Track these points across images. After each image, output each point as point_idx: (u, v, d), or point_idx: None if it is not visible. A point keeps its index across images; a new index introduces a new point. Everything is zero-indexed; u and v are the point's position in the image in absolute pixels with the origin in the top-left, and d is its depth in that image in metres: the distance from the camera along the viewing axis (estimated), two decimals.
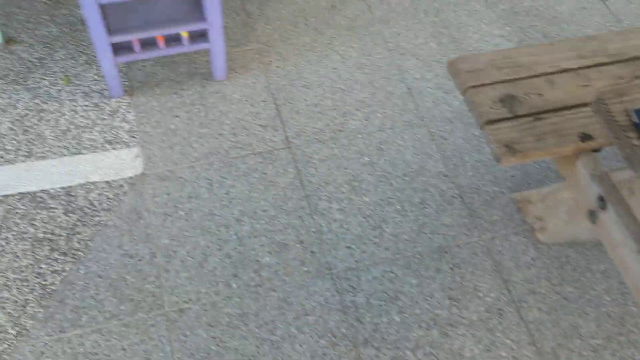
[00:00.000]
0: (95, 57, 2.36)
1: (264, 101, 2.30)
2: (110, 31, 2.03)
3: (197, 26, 2.10)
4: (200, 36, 2.18)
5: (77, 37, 2.41)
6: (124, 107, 2.23)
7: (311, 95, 2.33)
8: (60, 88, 2.26)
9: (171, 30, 2.08)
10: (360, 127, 2.26)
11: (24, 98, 2.22)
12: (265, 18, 2.56)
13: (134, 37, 2.06)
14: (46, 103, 2.21)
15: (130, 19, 2.08)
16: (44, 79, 2.28)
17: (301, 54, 2.46)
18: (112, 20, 2.07)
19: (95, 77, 2.30)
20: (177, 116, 2.23)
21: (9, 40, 2.35)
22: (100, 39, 2.01)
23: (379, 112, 2.31)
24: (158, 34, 2.08)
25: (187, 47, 2.18)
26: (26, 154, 2.09)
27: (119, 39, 2.04)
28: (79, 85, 2.28)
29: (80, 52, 2.37)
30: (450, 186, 2.13)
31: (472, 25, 2.62)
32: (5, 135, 2.12)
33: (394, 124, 2.28)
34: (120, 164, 2.10)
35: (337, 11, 2.62)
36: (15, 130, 2.14)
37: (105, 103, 2.24)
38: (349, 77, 2.40)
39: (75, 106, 2.22)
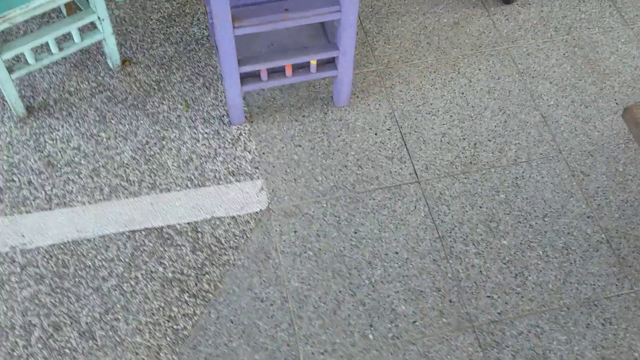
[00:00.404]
0: (212, 79, 2.27)
1: (388, 130, 2.18)
2: (239, 60, 1.94)
3: (328, 54, 1.99)
4: (328, 63, 2.07)
5: (193, 57, 2.33)
6: (245, 134, 2.15)
7: (438, 123, 2.20)
8: (179, 113, 2.19)
9: (301, 59, 1.97)
10: (493, 159, 2.11)
11: (144, 124, 2.15)
12: (384, 37, 2.42)
13: (263, 67, 1.96)
14: (166, 130, 2.15)
15: (258, 47, 1.99)
16: (162, 104, 2.21)
17: (425, 76, 2.32)
18: (240, 48, 1.97)
19: (214, 101, 2.22)
20: (299, 145, 2.13)
21: (125, 61, 2.29)
22: (230, 69, 1.91)
23: (512, 142, 2.15)
24: (288, 63, 1.97)
25: (314, 75, 2.07)
26: (150, 185, 2.03)
27: (248, 68, 1.94)
28: (198, 110, 2.20)
29: (197, 74, 2.29)
30: (596, 229, 1.97)
31: (607, 44, 2.41)
32: (128, 165, 2.07)
33: (530, 156, 2.12)
34: (244, 197, 2.01)
35: (460, 28, 2.46)
36: (137, 159, 2.08)
37: (226, 130, 2.15)
38: (477, 103, 2.25)
39: (195, 134, 2.14)
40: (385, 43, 2.41)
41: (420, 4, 2.52)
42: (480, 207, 2.01)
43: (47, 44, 2.03)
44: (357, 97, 2.26)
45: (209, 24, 2.26)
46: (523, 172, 2.09)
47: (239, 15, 1.80)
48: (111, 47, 2.17)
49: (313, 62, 2.03)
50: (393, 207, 2.01)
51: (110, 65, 2.25)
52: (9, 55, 1.91)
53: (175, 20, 2.43)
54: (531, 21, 2.48)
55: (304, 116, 2.20)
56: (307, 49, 1.99)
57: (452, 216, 1.99)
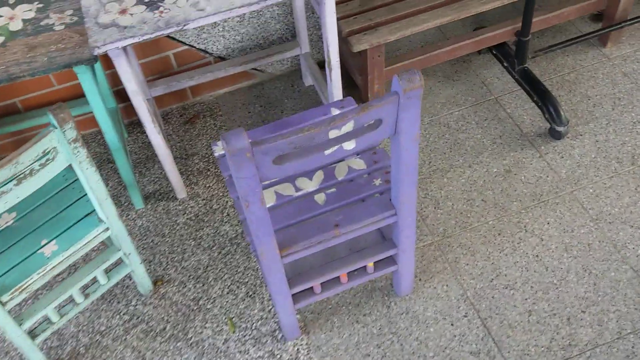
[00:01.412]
0: (255, 285, 2.03)
1: (465, 316, 1.90)
2: (289, 281, 1.69)
3: (386, 253, 1.74)
4: (387, 259, 1.82)
5: (230, 262, 2.09)
6: (304, 350, 1.87)
7: (520, 299, 1.92)
8: (226, 336, 1.93)
9: (357, 265, 1.73)
10: (595, 336, 1.82)
11: (189, 359, 1.89)
12: (433, 201, 2.19)
13: (316, 283, 1.71)
14: None
15: (308, 260, 1.75)
16: (205, 327, 1.95)
17: (489, 241, 2.06)
18: (289, 268, 1.73)
19: (261, 312, 1.97)
20: (368, 355, 1.85)
21: (157, 282, 2.06)
22: (280, 293, 1.67)
23: (610, 310, 1.86)
24: (343, 272, 1.73)
25: (372, 276, 1.81)
26: None
27: (300, 288, 1.70)
28: (245, 329, 1.94)
29: (238, 282, 2.04)
30: None
31: None
32: None
33: (635, 325, 1.83)
34: None
35: (513, 176, 2.22)
36: None
37: (281, 350, 1.88)
38: (557, 266, 1.98)
39: (248, 359, 1.87)
40: (435, 208, 2.17)
41: (463, 155, 2.31)
42: None
43: (70, 295, 1.81)
44: (420, 279, 2.00)
45: (242, 222, 2.04)
46: (633, 347, 1.79)
47: (285, 242, 1.56)
48: (141, 276, 1.95)
49: (370, 264, 1.78)
50: None
51: (142, 291, 2.02)
52: (30, 322, 1.68)
53: (203, 221, 2.22)
54: (589, 155, 2.25)
55: (365, 315, 1.93)
56: (363, 252, 1.74)
57: None
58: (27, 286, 1.61)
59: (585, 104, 2.40)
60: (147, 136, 2.52)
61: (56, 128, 1.41)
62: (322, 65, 2.64)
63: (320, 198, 1.67)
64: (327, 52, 1.99)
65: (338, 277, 1.79)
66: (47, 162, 1.45)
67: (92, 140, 2.54)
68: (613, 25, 2.45)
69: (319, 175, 1.72)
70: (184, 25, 1.69)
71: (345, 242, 1.77)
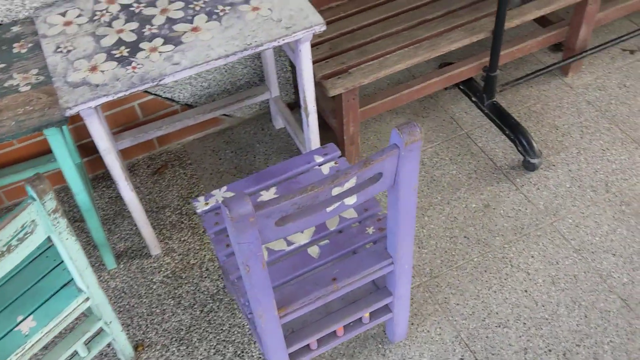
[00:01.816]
0: (243, 343, 1.94)
1: (461, 359, 1.86)
2: (287, 341, 1.62)
3: (382, 302, 1.70)
4: (382, 307, 1.77)
5: (214, 320, 2.00)
6: None
7: (514, 337, 1.90)
8: None
9: (354, 317, 1.67)
10: None
11: None
12: (416, 240, 2.16)
13: (313, 339, 1.65)
14: None
15: (304, 317, 1.68)
16: None
17: (476, 278, 2.05)
18: (284, 326, 1.66)
19: None
20: None
21: (138, 347, 1.94)
22: (276, 354, 1.59)
23: (604, 342, 1.86)
24: (339, 325, 1.67)
25: (368, 326, 1.76)
26: None
27: (297, 346, 1.63)
28: None
29: (225, 341, 1.95)
30: None
31: None
32: None
33: (630, 356, 1.83)
34: None
35: (492, 211, 2.22)
36: None
37: None
38: (546, 300, 1.97)
39: None
40: (419, 248, 2.14)
41: (441, 192, 2.30)
42: None
43: None
44: (412, 324, 1.95)
45: (224, 272, 1.97)
46: None
47: (283, 301, 1.50)
48: (122, 343, 1.83)
49: (366, 315, 1.73)
50: None
51: (123, 359, 1.90)
52: None
53: (181, 277, 2.12)
54: (564, 185, 2.28)
55: None
56: (358, 303, 1.69)
57: None
58: None
59: (554, 134, 2.44)
60: (113, 191, 2.41)
61: (35, 200, 1.31)
62: (292, 107, 2.61)
63: (314, 251, 1.62)
64: (304, 98, 1.95)
65: (334, 331, 1.73)
66: (26, 236, 1.34)
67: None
68: (575, 55, 2.52)
69: (310, 228, 1.67)
70: (160, 81, 1.63)
71: (340, 294, 1.71)
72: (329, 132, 2.41)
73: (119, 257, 2.20)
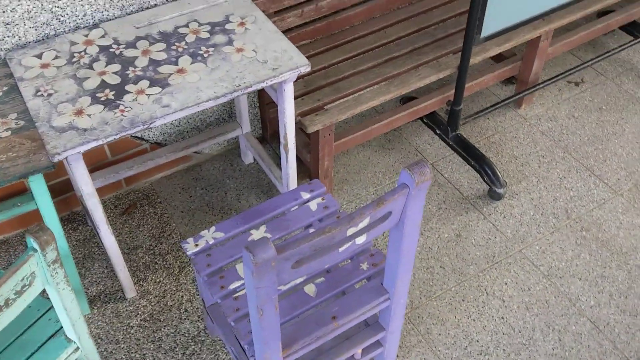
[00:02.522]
0: None
1: None
2: None
3: (375, 338, 1.72)
4: (374, 343, 1.79)
5: None
6: None
7: None
8: None
9: (348, 354, 1.68)
10: None
11: None
12: None
13: None
14: None
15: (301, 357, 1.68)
16: None
17: (455, 307, 2.10)
18: None
19: None
20: None
21: None
22: None
23: None
24: None
25: None
26: None
27: None
28: None
29: None
30: None
31: (609, 219, 2.35)
32: None
33: None
34: None
35: (464, 240, 2.30)
36: None
37: None
38: (522, 325, 2.05)
39: None
40: None
41: None
42: None
43: None
44: (398, 356, 1.98)
45: (210, 314, 1.94)
46: None
47: (285, 342, 1.50)
48: None
49: (359, 351, 1.75)
50: None
51: None
52: None
53: (160, 320, 2.07)
54: (528, 213, 2.39)
55: None
56: (352, 340, 1.71)
57: None
58: None
59: (514, 164, 2.56)
60: (80, 233, 2.33)
61: (36, 251, 1.27)
62: (260, 141, 2.62)
63: (310, 289, 1.63)
64: (284, 135, 1.98)
65: None
66: (24, 289, 1.29)
67: (19, 243, 2.31)
68: (528, 89, 2.66)
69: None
70: (151, 124, 1.61)
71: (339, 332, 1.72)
72: (301, 166, 2.44)
73: (92, 302, 2.13)
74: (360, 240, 1.33)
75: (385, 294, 1.60)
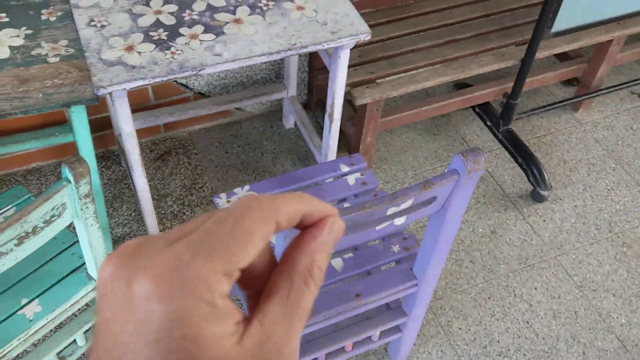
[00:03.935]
0: None
1: None
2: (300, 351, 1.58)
3: (395, 322, 1.67)
4: (393, 327, 1.75)
5: None
6: None
7: None
8: None
9: (366, 334, 1.64)
10: None
11: None
12: None
13: (322, 353, 1.61)
14: None
15: (316, 331, 1.64)
16: None
17: (479, 304, 2.04)
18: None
19: None
20: None
21: None
22: None
23: None
24: (350, 341, 1.64)
25: (376, 344, 1.74)
26: None
27: (307, 358, 1.59)
28: None
29: None
30: None
31: None
32: None
33: None
34: None
35: (499, 237, 2.23)
36: None
37: None
38: (547, 333, 1.98)
39: None
40: None
41: None
42: None
43: None
44: (415, 344, 1.94)
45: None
46: None
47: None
48: None
49: (377, 333, 1.70)
50: None
51: None
52: None
53: None
54: (569, 220, 2.30)
55: None
56: (372, 321, 1.66)
57: None
58: (6, 353, 1.40)
59: (562, 168, 2.46)
60: (112, 172, 2.32)
61: (70, 183, 1.24)
62: (304, 107, 2.56)
63: (337, 264, 1.58)
64: (332, 104, 1.91)
65: (343, 347, 1.70)
66: (53, 219, 1.27)
67: (51, 173, 2.31)
68: (590, 93, 2.54)
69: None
70: (200, 70, 1.56)
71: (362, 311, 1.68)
72: (341, 139, 2.38)
73: (116, 243, 2.12)
74: (400, 221, 1.28)
75: (414, 280, 1.54)
